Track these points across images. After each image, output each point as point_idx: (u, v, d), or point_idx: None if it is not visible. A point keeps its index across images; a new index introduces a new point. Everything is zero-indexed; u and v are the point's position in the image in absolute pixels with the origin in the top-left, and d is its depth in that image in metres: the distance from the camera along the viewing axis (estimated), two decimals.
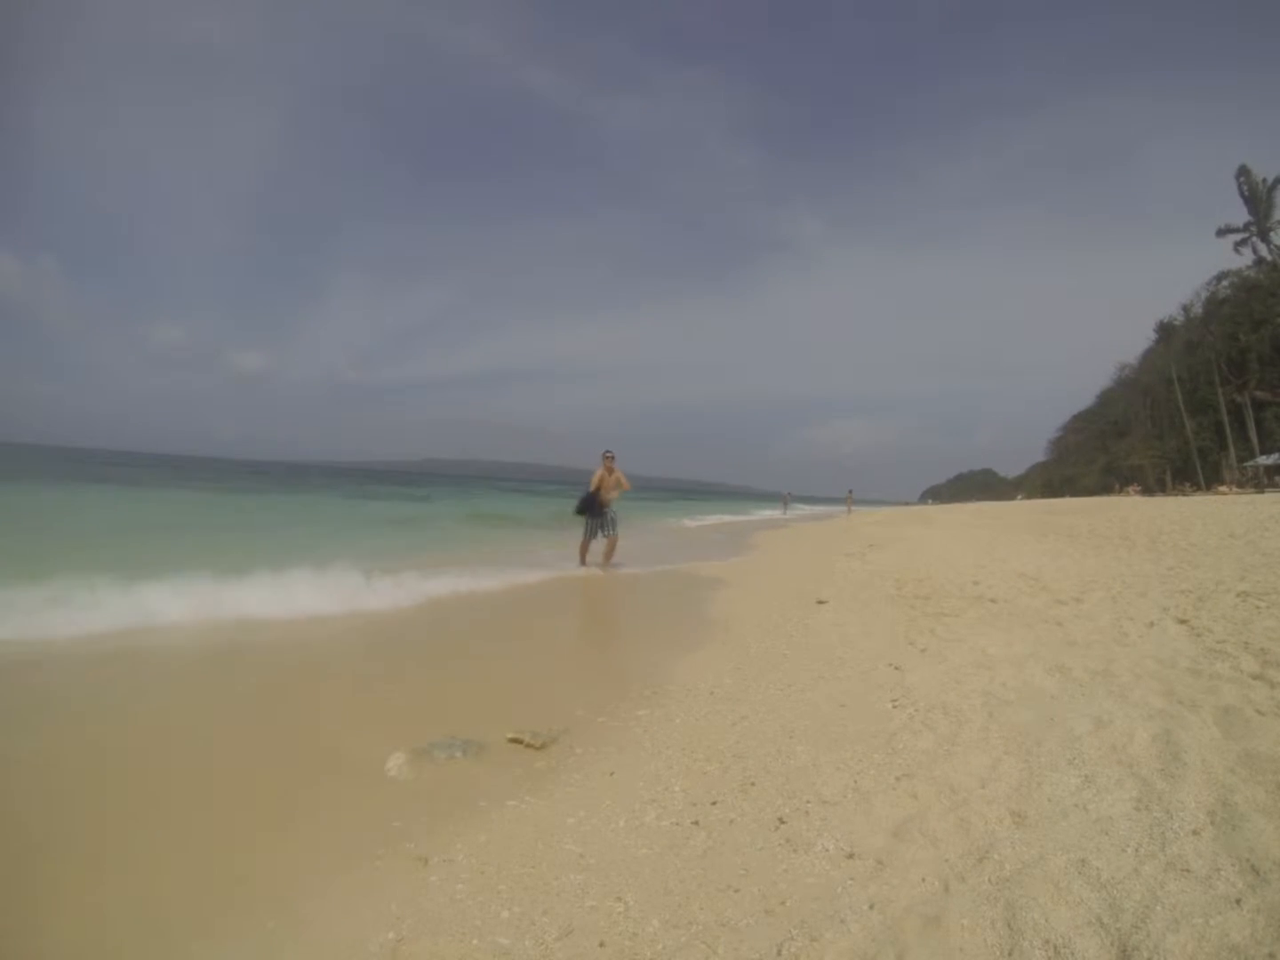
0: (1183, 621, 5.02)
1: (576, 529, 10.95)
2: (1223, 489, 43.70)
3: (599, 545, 10.78)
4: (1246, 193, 40.47)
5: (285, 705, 3.94)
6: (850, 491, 45.53)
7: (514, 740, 3.35)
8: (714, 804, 2.69)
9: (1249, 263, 44.99)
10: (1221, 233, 41.99)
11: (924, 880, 2.06)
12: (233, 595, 6.15)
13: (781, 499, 48.17)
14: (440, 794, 2.83)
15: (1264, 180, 39.52)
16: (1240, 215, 40.79)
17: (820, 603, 7.07)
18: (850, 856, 2.25)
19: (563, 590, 8.85)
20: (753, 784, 2.84)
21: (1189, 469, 56.74)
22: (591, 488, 10.78)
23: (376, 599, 6.64)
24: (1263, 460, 45.94)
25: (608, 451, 10.91)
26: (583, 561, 10.65)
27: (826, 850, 2.30)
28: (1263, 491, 36.98)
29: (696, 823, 2.55)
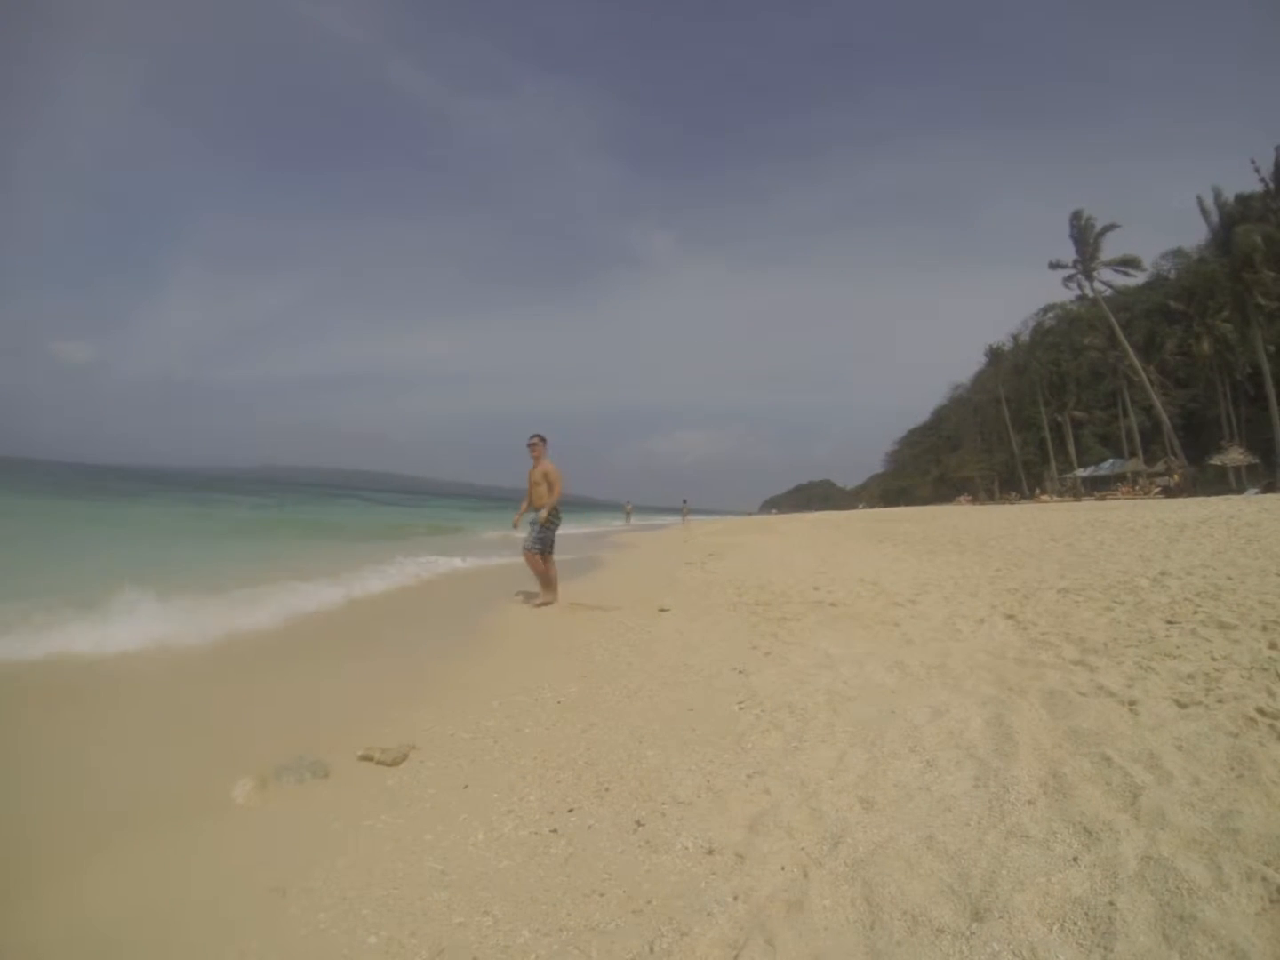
0: (1010, 617, 5.62)
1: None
2: (1045, 498, 49.82)
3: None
4: (1076, 235, 46.34)
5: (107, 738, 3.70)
6: (685, 501, 47.63)
7: (364, 758, 3.37)
8: (571, 811, 2.78)
9: (1073, 297, 51.59)
10: (1053, 265, 47.96)
11: (783, 868, 2.21)
12: None
13: (624, 510, 49.20)
14: (292, 819, 2.80)
15: (1093, 225, 45.41)
16: (1070, 254, 46.90)
17: (662, 610, 7.23)
18: (710, 852, 2.37)
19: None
20: (607, 789, 2.95)
21: (1015, 480, 64.74)
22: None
23: None
24: (1080, 473, 53.51)
25: (535, 435, 8.37)
26: (551, 591, 8.25)
27: (686, 848, 2.42)
28: (1080, 500, 42.37)
29: (555, 830, 2.63)
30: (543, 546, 8.18)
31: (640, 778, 3.04)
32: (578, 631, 6.42)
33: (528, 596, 8.48)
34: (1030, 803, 2.44)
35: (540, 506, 8.24)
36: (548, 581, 8.24)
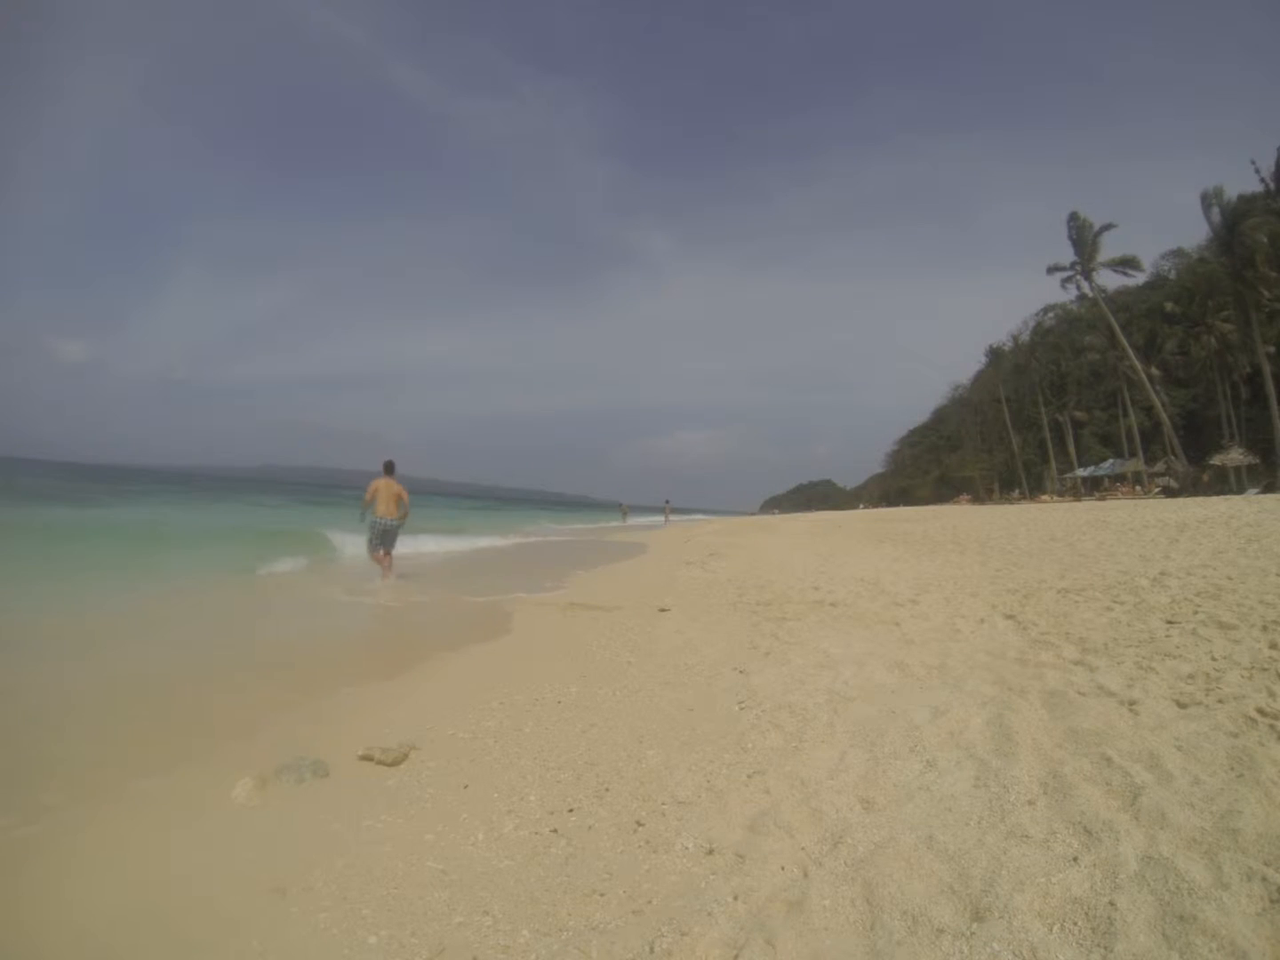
0: (1010, 617, 5.62)
1: None
2: (1045, 498, 49.99)
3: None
4: (1074, 236, 46.31)
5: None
6: (667, 502, 48.63)
7: (364, 758, 3.38)
8: (571, 811, 2.80)
9: (1073, 298, 51.65)
10: (1051, 270, 47.86)
11: (783, 868, 2.23)
12: None
13: (620, 509, 49.70)
14: (293, 819, 2.82)
15: (1091, 225, 45.38)
16: (1068, 255, 46.85)
17: (662, 610, 7.25)
18: (710, 852, 2.39)
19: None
20: (607, 789, 2.97)
21: (1015, 480, 64.84)
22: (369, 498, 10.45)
23: None
24: (1080, 472, 53.68)
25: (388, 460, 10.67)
26: (386, 573, 10.27)
27: (686, 848, 2.44)
28: (1080, 499, 42.46)
29: (555, 830, 2.65)
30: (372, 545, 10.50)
31: (640, 778, 3.06)
32: (578, 632, 6.43)
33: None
34: (1030, 803, 2.45)
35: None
36: (384, 569, 10.34)
